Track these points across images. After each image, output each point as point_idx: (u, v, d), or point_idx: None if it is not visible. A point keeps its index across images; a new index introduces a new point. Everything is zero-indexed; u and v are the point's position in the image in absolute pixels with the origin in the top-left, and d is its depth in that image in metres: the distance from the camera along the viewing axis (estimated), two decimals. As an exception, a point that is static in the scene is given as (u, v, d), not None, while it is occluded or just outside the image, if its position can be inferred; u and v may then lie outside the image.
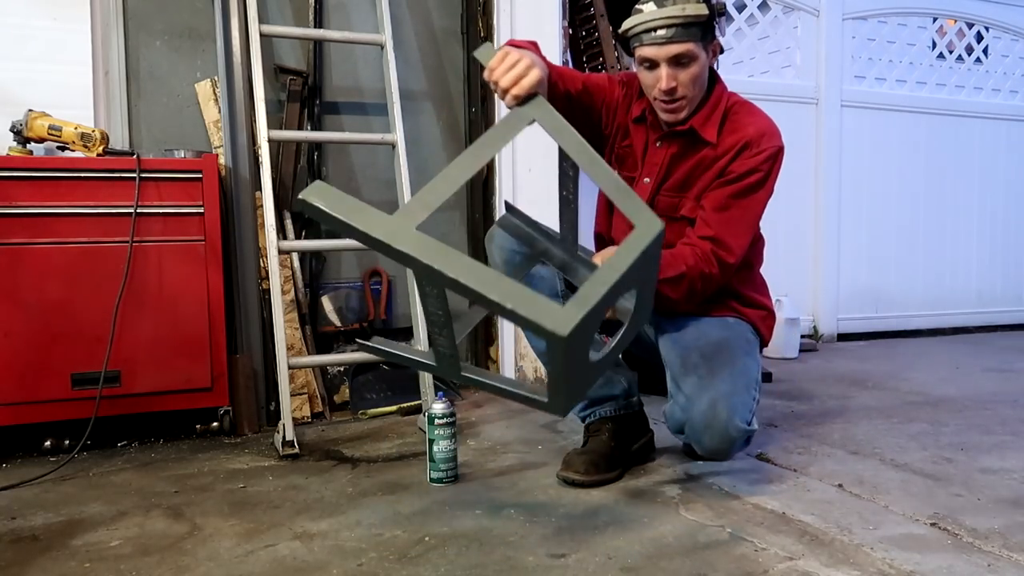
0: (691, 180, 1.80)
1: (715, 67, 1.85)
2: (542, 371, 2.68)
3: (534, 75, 1.44)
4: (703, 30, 1.67)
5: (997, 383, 2.92)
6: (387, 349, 1.53)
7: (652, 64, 1.70)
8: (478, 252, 2.82)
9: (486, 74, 1.49)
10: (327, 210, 1.18)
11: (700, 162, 1.78)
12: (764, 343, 1.92)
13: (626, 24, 1.70)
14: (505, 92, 1.45)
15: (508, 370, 2.77)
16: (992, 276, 4.38)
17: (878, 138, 4.01)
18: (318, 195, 1.19)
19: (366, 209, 1.21)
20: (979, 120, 4.25)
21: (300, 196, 1.19)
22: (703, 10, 1.65)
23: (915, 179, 4.13)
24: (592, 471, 1.76)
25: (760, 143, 1.74)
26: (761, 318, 1.90)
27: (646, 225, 1.32)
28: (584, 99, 1.81)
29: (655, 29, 1.65)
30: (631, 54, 1.76)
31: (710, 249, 1.73)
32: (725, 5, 1.68)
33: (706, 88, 1.78)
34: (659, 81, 1.69)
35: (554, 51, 2.80)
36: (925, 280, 4.19)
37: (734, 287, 1.84)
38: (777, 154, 1.77)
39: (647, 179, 1.84)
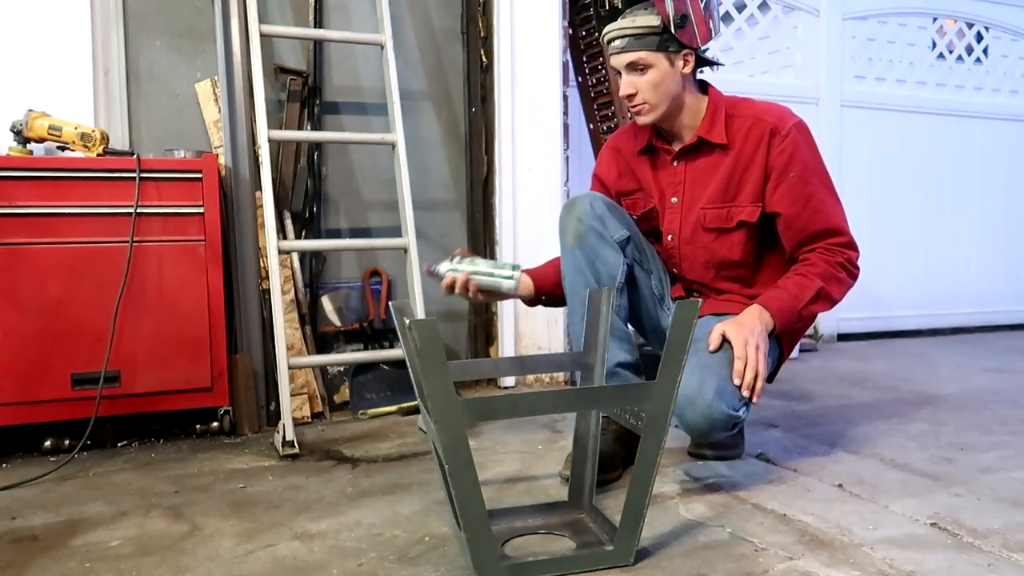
0: (735, 185, 1.82)
1: (712, 70, 1.88)
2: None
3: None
4: (661, 39, 1.74)
5: (997, 383, 2.92)
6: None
7: (619, 73, 1.82)
8: (478, 251, 2.82)
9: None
10: (417, 343, 1.18)
11: (735, 166, 1.81)
12: (781, 356, 1.88)
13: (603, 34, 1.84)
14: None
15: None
16: (992, 276, 4.38)
17: (878, 138, 4.01)
18: (418, 328, 1.18)
19: (443, 371, 1.20)
20: (979, 120, 4.25)
21: (408, 321, 1.20)
22: (653, 20, 1.73)
23: (915, 179, 4.13)
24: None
25: (783, 126, 1.79)
26: (787, 334, 1.85)
27: None
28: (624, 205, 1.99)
29: (613, 40, 1.78)
30: None
31: (823, 246, 1.78)
32: (684, 16, 1.73)
33: (699, 98, 1.84)
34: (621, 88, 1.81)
35: (554, 51, 2.81)
36: (925, 280, 4.19)
37: None
38: (801, 126, 1.82)
39: (674, 199, 1.88)
